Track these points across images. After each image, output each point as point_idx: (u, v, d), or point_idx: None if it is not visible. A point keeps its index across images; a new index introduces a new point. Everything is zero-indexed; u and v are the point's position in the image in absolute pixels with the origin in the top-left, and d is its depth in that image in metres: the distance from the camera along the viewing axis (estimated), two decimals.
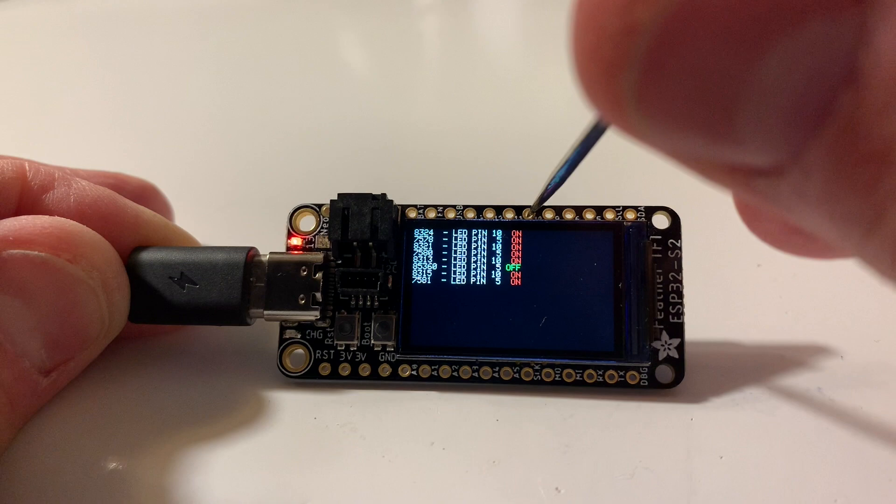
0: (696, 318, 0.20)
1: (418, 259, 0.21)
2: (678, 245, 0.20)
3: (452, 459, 0.18)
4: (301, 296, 0.20)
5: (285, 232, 0.21)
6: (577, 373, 0.20)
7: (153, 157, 0.33)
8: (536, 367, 0.20)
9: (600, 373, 0.20)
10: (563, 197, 0.19)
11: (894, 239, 0.08)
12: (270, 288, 0.20)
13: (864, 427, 0.18)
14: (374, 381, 0.20)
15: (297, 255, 0.20)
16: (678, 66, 0.08)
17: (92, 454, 0.18)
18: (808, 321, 0.22)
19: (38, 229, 0.18)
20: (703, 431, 0.18)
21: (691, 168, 0.10)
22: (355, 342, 0.20)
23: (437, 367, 0.20)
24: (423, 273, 0.21)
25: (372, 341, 0.20)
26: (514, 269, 0.20)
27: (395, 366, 0.20)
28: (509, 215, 0.21)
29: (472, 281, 0.20)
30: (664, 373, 0.20)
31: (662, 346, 0.20)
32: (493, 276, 0.20)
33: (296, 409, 0.20)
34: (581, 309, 0.20)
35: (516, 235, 0.21)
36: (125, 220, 0.20)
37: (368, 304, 0.21)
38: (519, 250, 0.20)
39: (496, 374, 0.20)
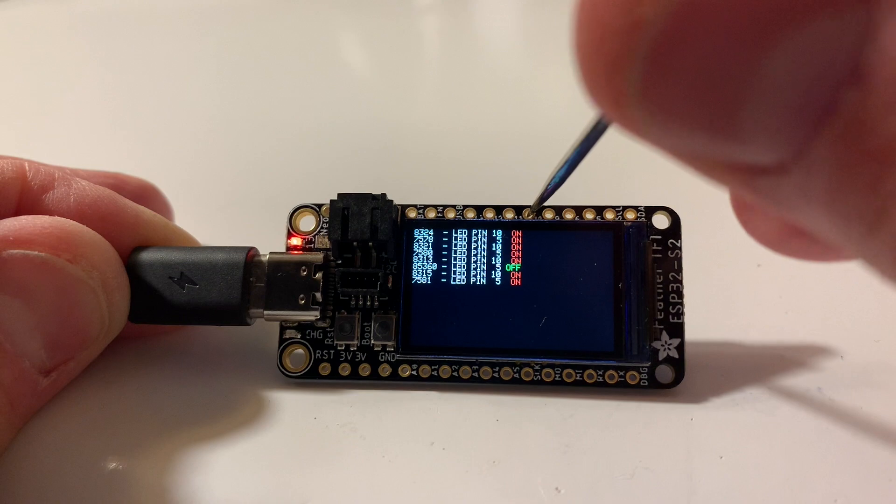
0: (696, 318, 0.20)
1: (418, 259, 0.21)
2: (678, 245, 0.20)
3: (452, 459, 0.18)
4: (301, 296, 0.20)
5: (285, 232, 0.21)
6: (577, 373, 0.20)
7: (153, 157, 0.33)
8: (536, 367, 0.20)
9: (600, 373, 0.20)
10: (563, 197, 0.19)
11: None
12: (270, 288, 0.20)
13: (864, 427, 0.18)
14: (374, 381, 0.20)
15: (297, 255, 0.20)
16: (682, 62, 0.08)
17: (92, 454, 0.18)
18: (808, 321, 0.22)
19: (38, 229, 0.18)
20: (703, 431, 0.18)
21: (693, 166, 0.10)
22: (355, 342, 0.20)
23: (437, 367, 0.20)
24: (423, 273, 0.21)
25: (372, 341, 0.20)
26: (513, 269, 0.20)
27: (395, 366, 0.20)
28: (509, 215, 0.21)
29: (472, 281, 0.20)
30: (664, 373, 0.20)
31: (662, 346, 0.20)
32: (493, 276, 0.20)
33: (296, 409, 0.20)
34: (581, 309, 0.20)
35: (516, 235, 0.21)
36: (125, 220, 0.20)
37: (368, 304, 0.21)
38: (519, 250, 0.20)
39: (496, 374, 0.20)
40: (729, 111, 0.08)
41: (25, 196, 0.19)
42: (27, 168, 0.19)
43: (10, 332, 0.17)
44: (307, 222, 0.21)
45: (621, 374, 0.20)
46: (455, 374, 0.20)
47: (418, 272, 0.21)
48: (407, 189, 0.22)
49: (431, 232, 0.21)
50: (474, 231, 0.21)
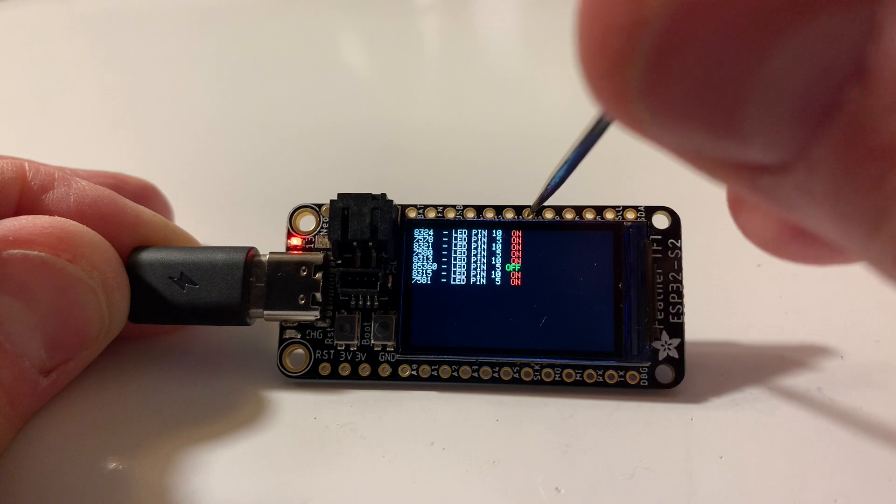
0: (696, 318, 0.20)
1: (418, 259, 0.21)
2: (678, 245, 0.20)
3: (452, 459, 0.18)
4: (301, 296, 0.20)
5: (285, 232, 0.21)
6: (576, 373, 0.20)
7: (153, 157, 0.33)
8: (536, 367, 0.20)
9: (600, 373, 0.20)
10: (563, 197, 0.19)
11: None
12: (270, 288, 0.20)
13: (864, 427, 0.18)
14: (374, 381, 0.20)
15: (296, 255, 0.20)
16: (686, 59, 0.08)
17: (92, 454, 0.18)
18: (808, 321, 0.22)
19: (37, 229, 0.18)
20: (703, 431, 0.18)
21: (695, 164, 0.10)
22: (355, 342, 0.20)
23: (437, 367, 0.20)
24: (422, 273, 0.21)
25: (372, 341, 0.20)
26: (513, 269, 0.20)
27: (395, 366, 0.20)
28: (509, 215, 0.21)
29: (471, 281, 0.20)
30: (664, 373, 0.20)
31: (662, 346, 0.20)
32: (493, 276, 0.20)
33: (296, 409, 0.20)
34: (581, 309, 0.20)
35: (516, 235, 0.21)
36: (125, 220, 0.20)
37: (368, 304, 0.21)
38: (519, 250, 0.20)
39: (496, 374, 0.20)
40: (731, 109, 0.08)
41: (25, 196, 0.19)
42: (27, 168, 0.19)
43: (10, 332, 0.17)
44: (307, 222, 0.21)
45: (621, 374, 0.20)
46: (455, 374, 0.20)
47: (418, 272, 0.21)
48: (407, 189, 0.22)
49: (431, 232, 0.21)
50: (474, 231, 0.21)
